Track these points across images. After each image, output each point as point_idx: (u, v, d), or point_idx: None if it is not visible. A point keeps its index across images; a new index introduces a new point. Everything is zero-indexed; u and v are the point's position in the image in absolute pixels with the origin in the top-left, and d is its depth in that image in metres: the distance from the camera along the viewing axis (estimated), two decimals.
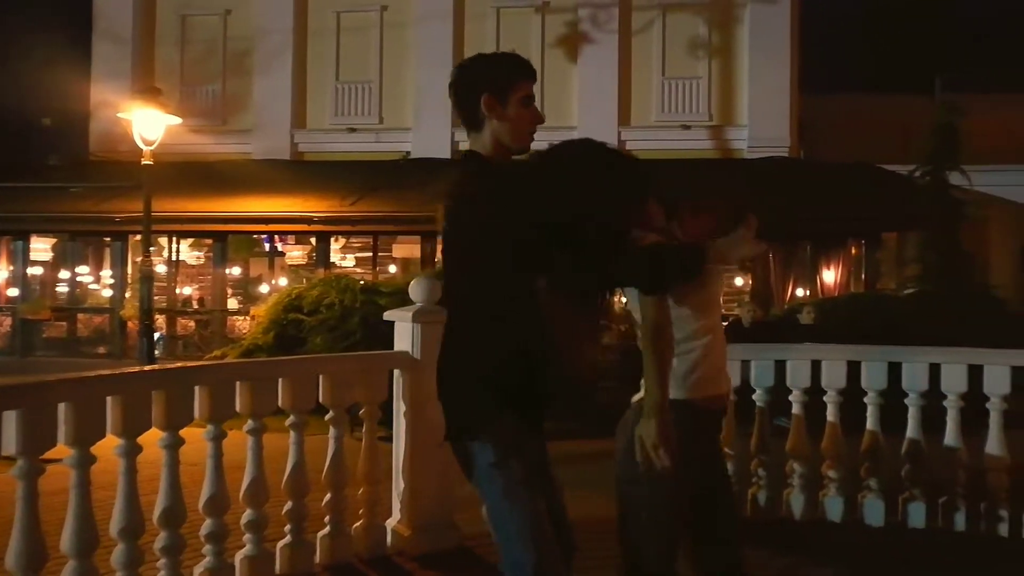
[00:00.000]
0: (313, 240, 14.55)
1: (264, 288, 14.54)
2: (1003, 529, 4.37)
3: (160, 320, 13.64)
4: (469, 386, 2.26)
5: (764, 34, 15.45)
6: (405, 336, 4.07)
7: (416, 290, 4.11)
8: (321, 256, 14.23)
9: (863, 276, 12.93)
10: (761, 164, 14.03)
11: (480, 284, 2.26)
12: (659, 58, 15.79)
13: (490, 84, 2.34)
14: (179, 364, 3.68)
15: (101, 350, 14.23)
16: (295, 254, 15.47)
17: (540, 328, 2.23)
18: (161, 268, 14.42)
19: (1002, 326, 8.33)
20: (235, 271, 15.27)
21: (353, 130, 16.34)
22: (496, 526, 2.20)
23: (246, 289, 15.24)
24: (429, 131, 15.99)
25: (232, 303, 14.79)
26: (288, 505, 3.69)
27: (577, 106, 15.48)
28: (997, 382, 4.35)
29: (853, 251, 13.23)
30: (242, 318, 13.80)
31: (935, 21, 27.25)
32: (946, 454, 4.48)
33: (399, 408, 4.08)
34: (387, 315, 4.27)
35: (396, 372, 4.07)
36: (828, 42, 22.72)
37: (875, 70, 26.24)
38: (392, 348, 4.23)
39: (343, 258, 15.36)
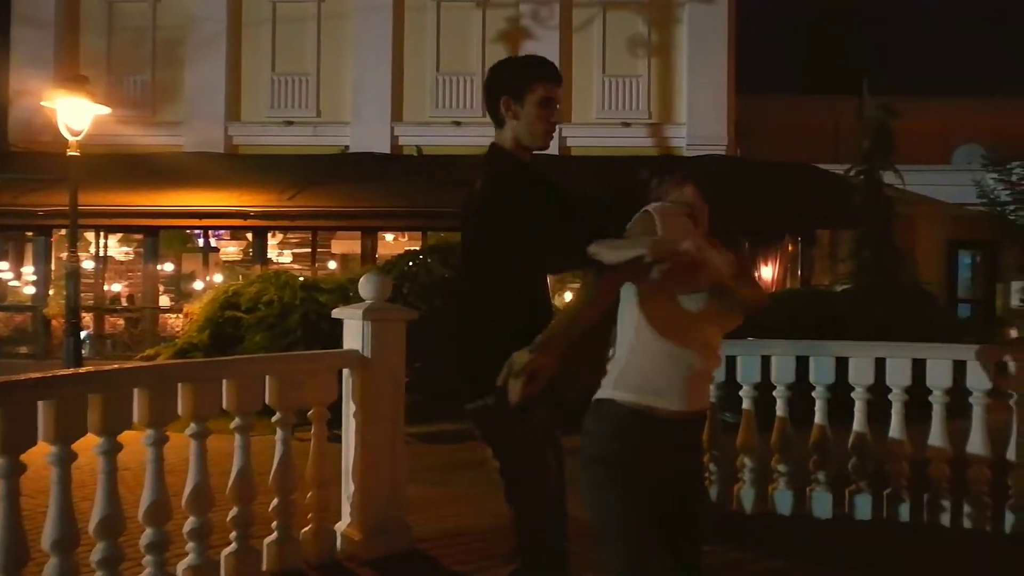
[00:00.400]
0: (249, 235, 14.18)
1: (198, 285, 14.10)
2: (944, 519, 4.48)
3: (87, 318, 13.12)
4: (493, 351, 2.36)
5: (702, 34, 15.68)
6: (355, 334, 3.94)
7: (366, 287, 3.98)
8: (258, 252, 13.88)
9: (799, 272, 13.23)
10: (700, 162, 14.21)
11: (502, 268, 2.46)
12: (600, 56, 15.87)
13: (508, 86, 2.55)
14: (116, 365, 3.48)
15: (23, 350, 13.60)
16: (230, 250, 15.05)
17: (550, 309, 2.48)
18: (88, 264, 13.88)
19: (933, 320, 8.61)
20: (167, 267, 14.78)
21: (290, 123, 16.01)
22: (507, 474, 2.43)
23: (178, 286, 14.77)
24: (368, 125, 15.77)
25: (164, 300, 14.32)
26: (233, 511, 3.53)
27: None
28: (939, 376, 4.44)
29: (790, 248, 13.53)
30: (175, 316, 13.37)
31: (861, 26, 28.12)
32: (891, 446, 4.56)
33: (349, 409, 3.95)
34: (336, 312, 4.13)
35: (346, 372, 3.94)
36: (759, 44, 23.24)
37: (804, 72, 26.98)
38: (334, 346, 4.11)
39: (280, 254, 15.02)
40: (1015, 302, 14.18)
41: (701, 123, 15.56)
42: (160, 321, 13.73)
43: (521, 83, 2.53)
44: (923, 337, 6.24)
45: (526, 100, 2.52)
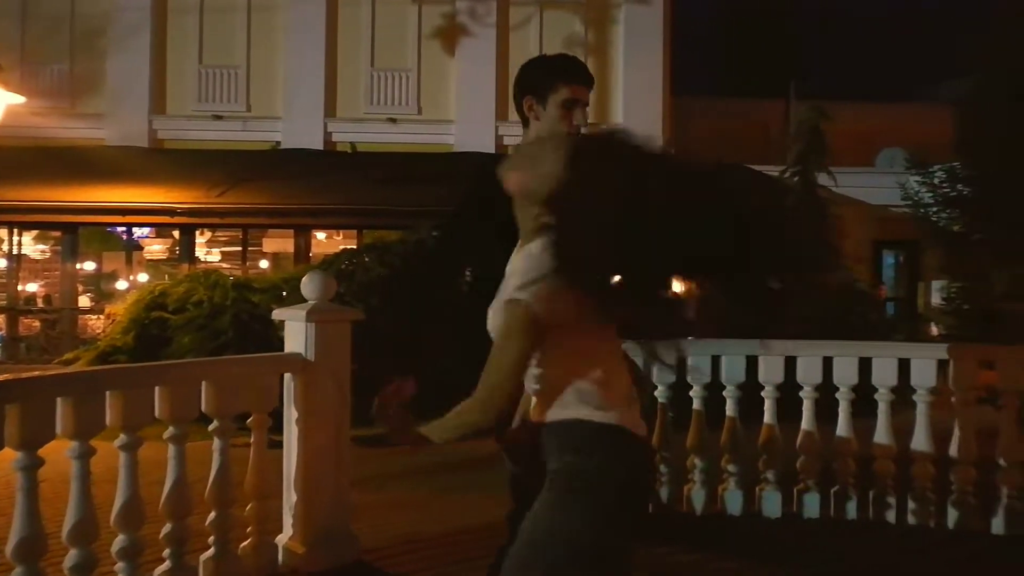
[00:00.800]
0: (176, 233, 13.65)
1: (121, 284, 13.51)
2: (890, 515, 4.52)
3: None
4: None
5: (638, 35, 15.78)
6: (298, 336, 3.74)
7: (309, 286, 3.79)
8: (185, 250, 13.36)
9: None
10: None
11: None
12: (537, 54, 15.80)
13: (532, 86, 2.51)
14: (36, 371, 3.21)
15: None
16: (155, 248, 14.47)
17: None
18: (0, 263, 13.17)
19: (866, 318, 8.81)
20: (87, 266, 14.12)
21: (219, 117, 15.46)
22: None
23: (99, 286, 14.13)
24: (300, 121, 15.37)
25: (84, 301, 13.67)
26: (167, 527, 3.30)
27: (455, 100, 15.26)
28: (885, 374, 4.49)
29: None
30: (95, 317, 12.78)
31: (787, 30, 28.83)
32: (838, 444, 4.59)
33: (291, 415, 3.75)
34: (276, 314, 3.93)
35: (287, 376, 3.74)
36: (688, 46, 23.58)
37: (731, 75, 27.52)
38: (267, 348, 3.91)
39: (209, 252, 14.51)
40: (936, 300, 14.67)
41: (637, 123, 15.48)
42: (79, 323, 13.11)
43: (544, 83, 2.47)
44: (857, 335, 6.36)
45: (549, 101, 2.46)
